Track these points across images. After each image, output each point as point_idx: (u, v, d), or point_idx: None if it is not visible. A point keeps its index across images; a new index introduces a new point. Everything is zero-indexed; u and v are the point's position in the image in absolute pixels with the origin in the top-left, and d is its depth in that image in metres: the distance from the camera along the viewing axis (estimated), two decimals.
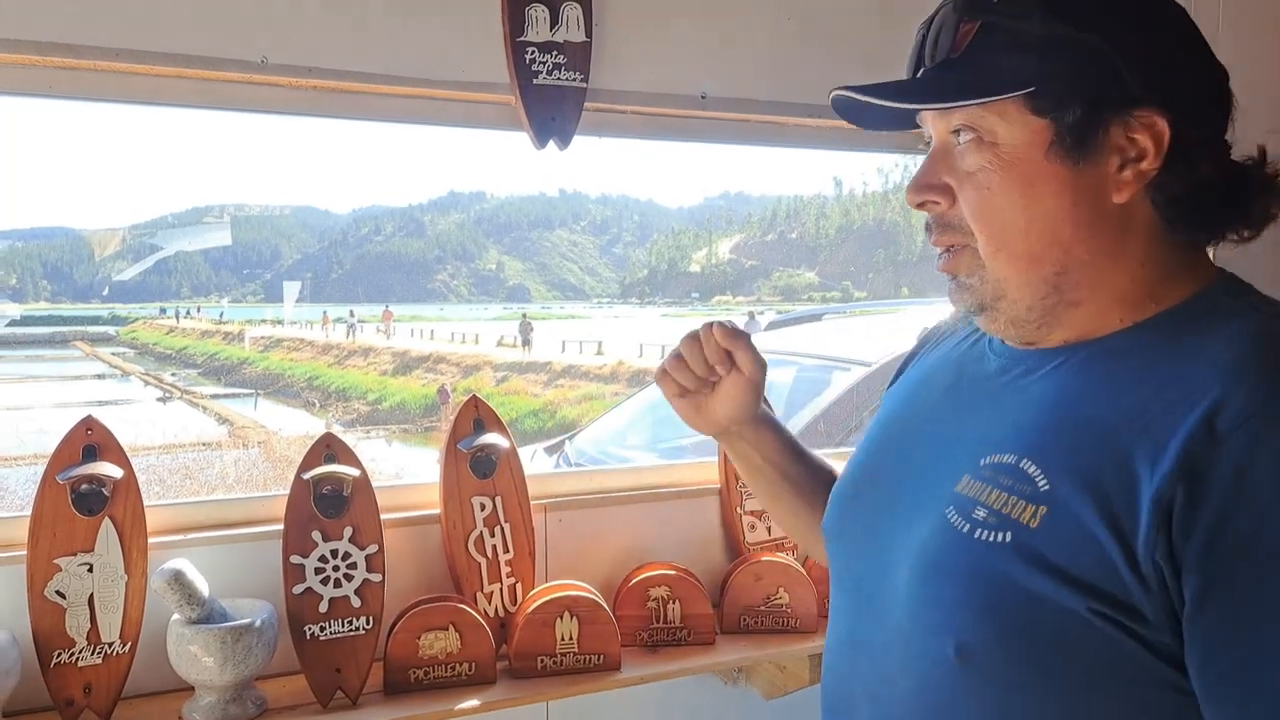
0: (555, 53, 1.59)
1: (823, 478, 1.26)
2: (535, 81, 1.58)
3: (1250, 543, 0.73)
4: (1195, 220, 0.88)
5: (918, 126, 0.97)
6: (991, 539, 0.84)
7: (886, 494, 1.00)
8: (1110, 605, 0.77)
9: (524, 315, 35.39)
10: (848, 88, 0.92)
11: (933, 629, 0.87)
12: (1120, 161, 0.85)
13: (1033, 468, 0.84)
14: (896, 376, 1.19)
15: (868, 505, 1.03)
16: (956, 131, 0.90)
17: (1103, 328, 0.89)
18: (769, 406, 1.29)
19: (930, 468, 0.95)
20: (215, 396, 29.93)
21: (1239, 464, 0.74)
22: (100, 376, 38.16)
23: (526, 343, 32.60)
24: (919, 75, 0.93)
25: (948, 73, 0.89)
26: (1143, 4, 0.88)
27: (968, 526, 0.86)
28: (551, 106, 1.60)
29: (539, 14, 1.58)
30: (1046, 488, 0.82)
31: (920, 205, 0.93)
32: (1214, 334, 0.84)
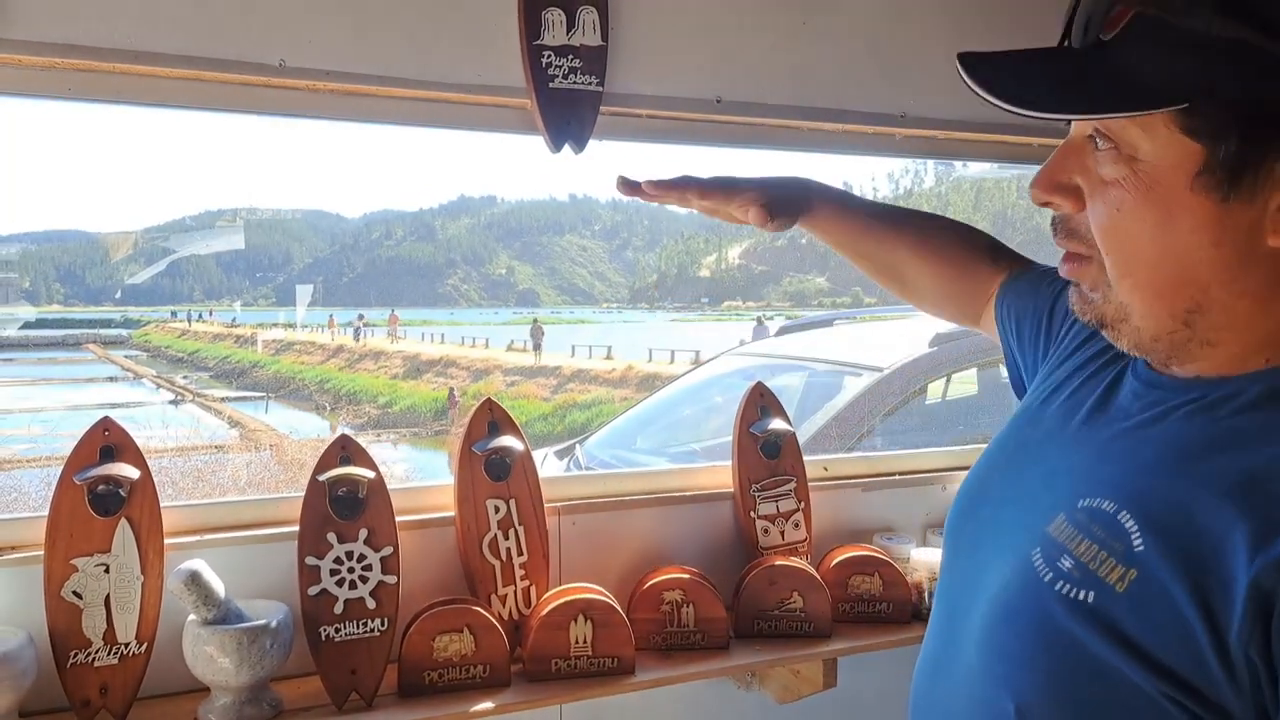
0: (571, 56, 1.59)
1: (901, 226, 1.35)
2: (551, 85, 1.59)
3: None
4: None
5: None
6: (1073, 595, 0.76)
7: (993, 513, 0.94)
8: (1189, 695, 0.69)
9: (535, 320, 35.35)
10: (972, 56, 0.78)
11: (997, 680, 0.82)
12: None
13: (1130, 522, 0.75)
14: (1048, 351, 1.07)
15: (978, 520, 0.97)
16: (1093, 136, 0.79)
17: (1243, 365, 0.79)
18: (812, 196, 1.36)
19: (1034, 495, 0.88)
20: (227, 399, 30.00)
21: None
22: (113, 379, 38.31)
23: (537, 347, 32.57)
24: (1064, 52, 0.79)
25: (1094, 64, 0.75)
26: None
27: (1050, 574, 0.79)
28: (567, 110, 1.60)
29: (555, 17, 1.58)
30: (1140, 549, 0.73)
31: (1044, 204, 0.84)
32: None
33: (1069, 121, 0.81)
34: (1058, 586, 0.78)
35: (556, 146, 1.61)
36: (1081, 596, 0.76)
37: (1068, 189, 0.81)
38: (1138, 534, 0.74)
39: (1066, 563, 0.78)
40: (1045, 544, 0.81)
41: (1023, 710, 0.78)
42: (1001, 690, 0.81)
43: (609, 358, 32.45)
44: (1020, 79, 0.77)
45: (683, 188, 1.30)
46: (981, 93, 0.76)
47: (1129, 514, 0.76)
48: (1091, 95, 0.74)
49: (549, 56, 1.58)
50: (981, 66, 0.77)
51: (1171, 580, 0.71)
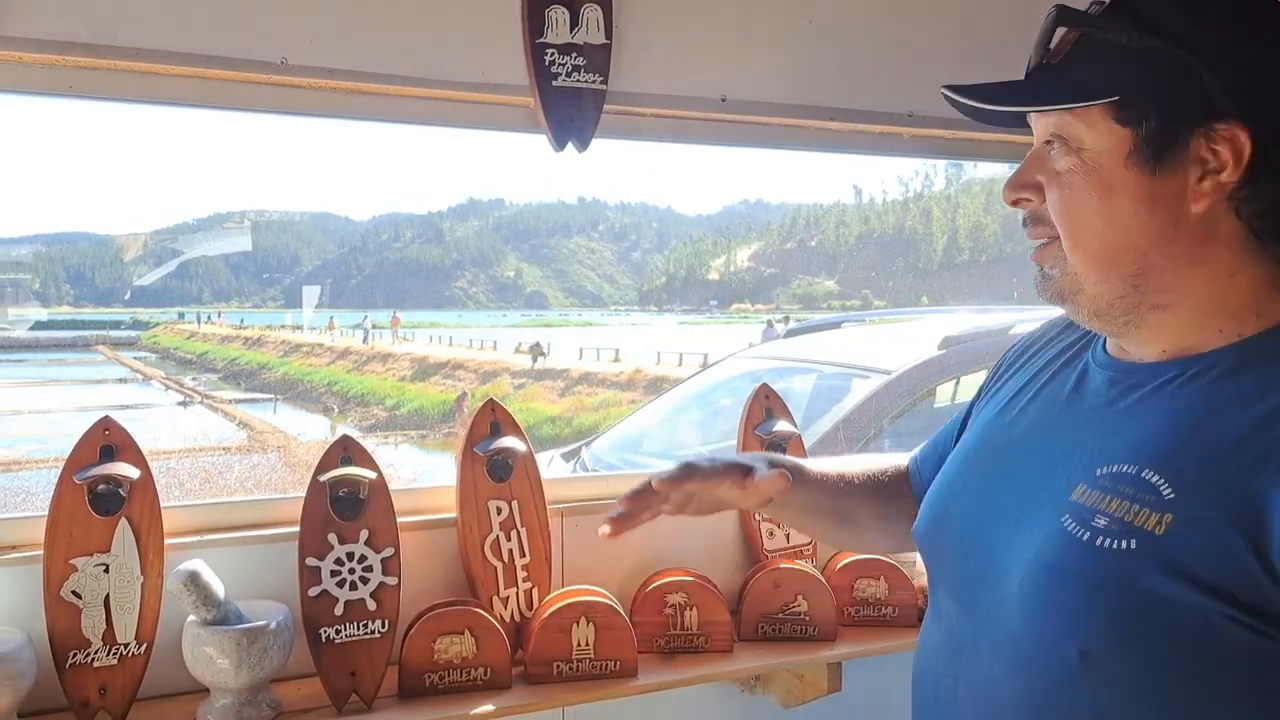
0: (575, 54, 1.58)
1: (878, 482, 1.30)
2: (554, 83, 1.58)
3: None
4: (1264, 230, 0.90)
5: (1028, 126, 1.02)
6: (1115, 546, 0.85)
7: (991, 503, 1.02)
8: (1245, 610, 0.79)
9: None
10: (955, 89, 0.97)
11: (1053, 633, 0.88)
12: (1200, 172, 0.88)
13: (1155, 477, 0.85)
14: (985, 391, 1.21)
15: (968, 513, 1.05)
16: (1049, 141, 0.95)
17: (1204, 341, 0.92)
18: (786, 462, 1.23)
19: (1041, 478, 0.97)
20: (235, 401, 30.09)
21: None
22: (122, 380, 38.45)
23: (535, 361, 32.36)
24: (1026, 76, 0.98)
25: (1045, 77, 0.94)
26: (1237, 17, 0.89)
27: (1088, 534, 0.87)
28: (570, 108, 1.59)
29: (559, 15, 1.57)
30: (1171, 496, 0.83)
31: (1015, 202, 0.99)
32: None
33: (1024, 116, 0.97)
34: (1099, 542, 0.86)
35: (560, 145, 1.60)
36: (1124, 546, 0.84)
37: (1032, 186, 0.97)
38: (1165, 485, 0.84)
39: (1101, 520, 0.87)
40: (1074, 510, 0.90)
41: (1088, 653, 0.85)
42: (1062, 641, 0.87)
43: (617, 360, 32.46)
44: (987, 91, 0.96)
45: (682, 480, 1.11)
46: (956, 97, 0.96)
47: (1152, 470, 0.86)
48: (1048, 92, 0.93)
49: (552, 54, 1.57)
50: (962, 89, 0.96)
51: (1209, 515, 0.81)
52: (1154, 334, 0.95)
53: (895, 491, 1.30)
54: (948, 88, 0.97)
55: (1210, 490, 0.82)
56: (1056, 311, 1.07)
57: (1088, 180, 0.92)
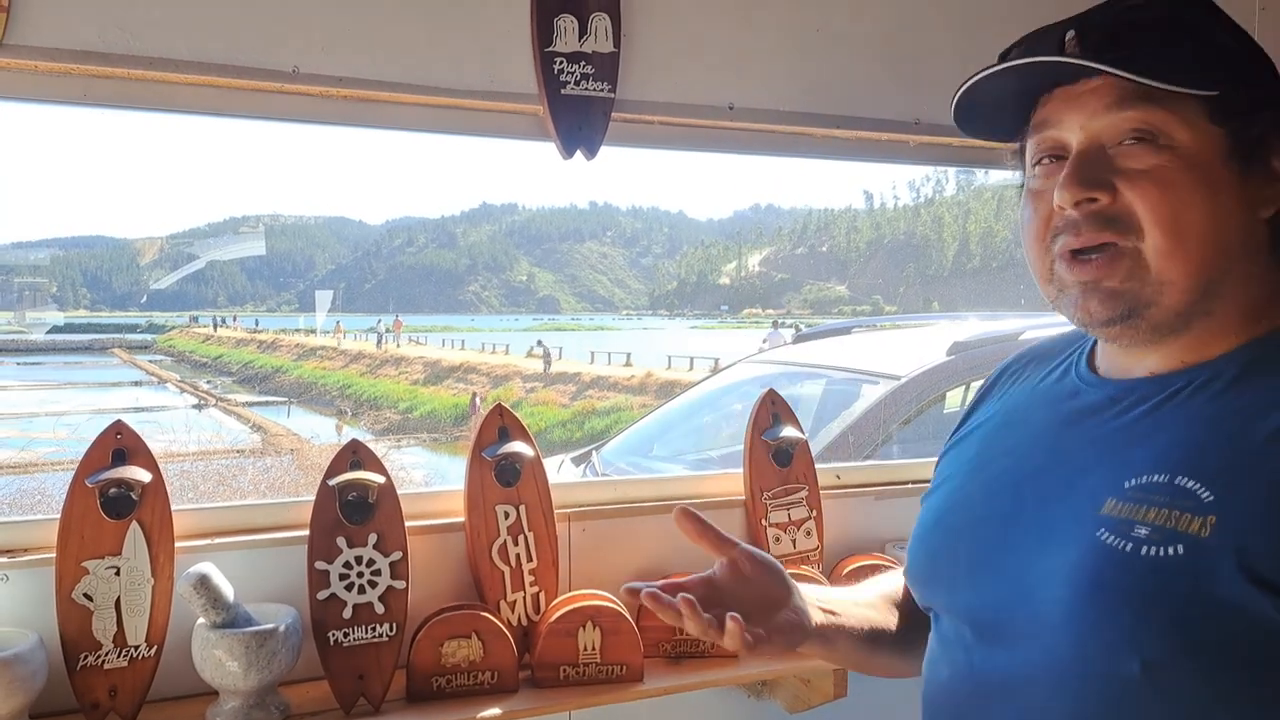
0: (583, 63, 1.60)
1: (892, 620, 1.21)
2: (563, 91, 1.59)
3: None
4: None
5: (1015, 139, 1.00)
6: (1160, 553, 0.83)
7: (999, 529, 0.99)
8: None
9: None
10: (1056, 58, 0.91)
11: (1111, 648, 0.85)
12: (1271, 178, 0.90)
13: (1190, 483, 0.84)
14: (962, 425, 1.18)
15: (974, 541, 1.02)
16: (1122, 133, 0.89)
17: (1217, 346, 0.92)
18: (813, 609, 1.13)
19: (1058, 498, 0.94)
20: (249, 404, 30.21)
21: None
22: (138, 383, 38.64)
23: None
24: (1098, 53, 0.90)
25: (1146, 51, 0.87)
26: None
27: (1130, 545, 0.85)
28: (579, 116, 1.61)
29: (568, 24, 1.58)
30: (1211, 499, 0.82)
31: (1078, 203, 0.90)
32: None
33: (1111, 108, 0.90)
34: (1143, 552, 0.83)
35: (568, 153, 1.62)
36: (1170, 552, 0.82)
37: (1103, 184, 0.89)
38: (1202, 489, 0.83)
39: (1142, 530, 0.84)
40: (1109, 524, 0.87)
41: (1150, 664, 0.82)
42: (1120, 655, 0.84)
43: (628, 364, 32.45)
44: (1112, 57, 0.87)
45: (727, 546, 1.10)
46: (1097, 65, 0.87)
47: (1185, 477, 0.84)
48: (1166, 69, 0.86)
49: (561, 63, 1.58)
50: (1094, 58, 0.89)
51: (1253, 511, 0.80)
52: (1186, 344, 0.93)
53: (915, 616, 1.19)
54: (1029, 59, 0.91)
55: (1251, 488, 0.81)
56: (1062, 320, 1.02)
57: (1187, 177, 0.87)
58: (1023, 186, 1.01)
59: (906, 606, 1.20)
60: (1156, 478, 0.86)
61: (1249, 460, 0.82)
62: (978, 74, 0.95)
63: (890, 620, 1.19)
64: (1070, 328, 1.04)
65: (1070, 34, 0.92)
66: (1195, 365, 0.92)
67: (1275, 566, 0.78)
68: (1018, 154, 1.03)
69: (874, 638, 1.17)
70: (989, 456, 1.08)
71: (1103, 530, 0.87)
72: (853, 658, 1.18)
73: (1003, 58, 0.96)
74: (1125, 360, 0.98)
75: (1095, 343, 1.04)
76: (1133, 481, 0.87)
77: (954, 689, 1.02)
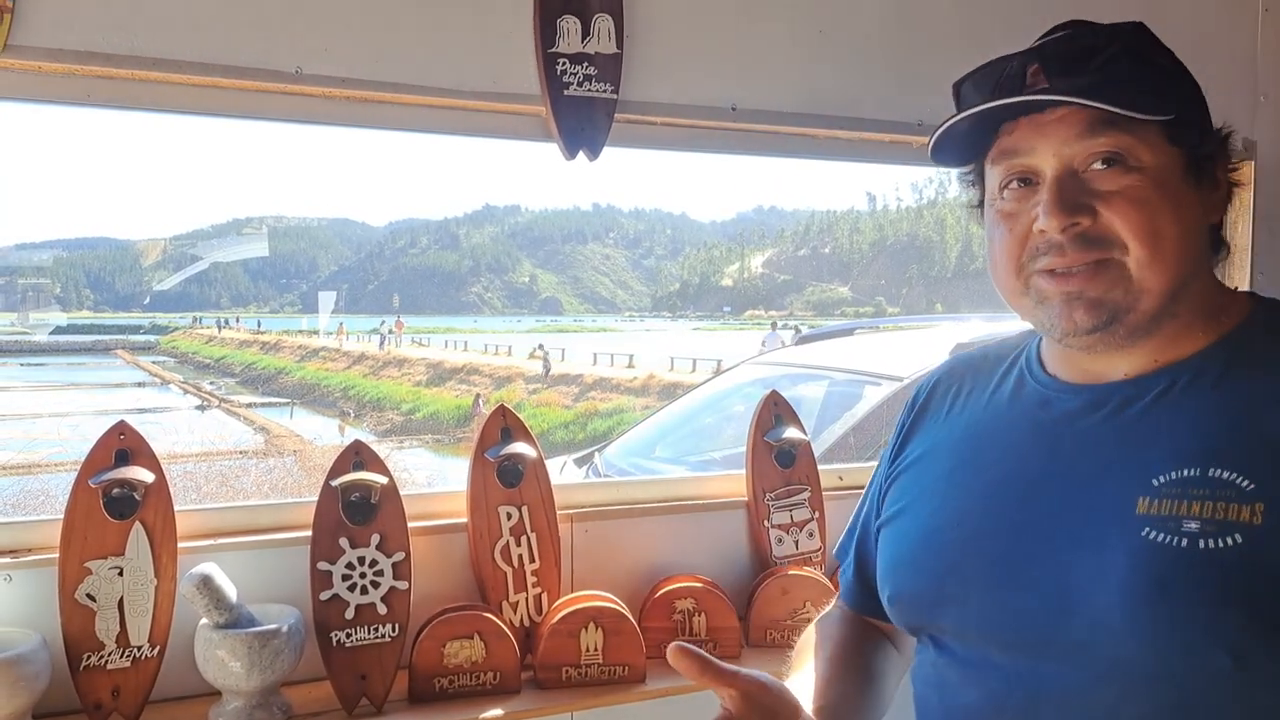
0: (586, 64, 1.60)
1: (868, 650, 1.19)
2: (566, 92, 1.59)
3: None
4: (1219, 245, 1.02)
5: (971, 162, 1.03)
6: (1220, 544, 0.84)
7: (1010, 543, 0.97)
8: None
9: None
10: (1024, 96, 0.95)
11: (1189, 648, 0.85)
12: (1223, 192, 1.00)
13: (1225, 473, 0.86)
14: (902, 452, 1.17)
15: (988, 557, 0.99)
16: (1092, 158, 0.94)
17: (1188, 345, 0.97)
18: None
19: (1073, 505, 0.94)
20: (252, 405, 30.24)
21: None
22: (141, 384, 38.70)
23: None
24: (1066, 83, 0.95)
25: (1113, 82, 0.93)
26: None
27: (1185, 541, 0.85)
28: (582, 117, 1.61)
29: (570, 26, 1.59)
30: (1252, 487, 0.85)
31: (1067, 227, 0.94)
32: None
33: (1082, 136, 0.94)
34: (1200, 544, 0.85)
35: (571, 153, 1.62)
36: (1229, 542, 0.84)
37: (1084, 207, 0.94)
38: (1240, 478, 0.85)
39: (1192, 524, 0.85)
40: (1151, 523, 0.88)
41: (1239, 653, 0.83)
42: (1205, 651, 0.84)
43: (631, 366, 32.45)
44: (1089, 92, 0.93)
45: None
46: (1078, 100, 0.92)
47: (1216, 468, 0.87)
48: (1132, 99, 0.92)
49: (564, 64, 1.58)
50: (1072, 92, 0.94)
51: None
52: (1156, 344, 0.97)
53: (878, 644, 1.20)
54: (1007, 99, 0.95)
55: None
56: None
57: (1160, 194, 0.94)
58: (981, 206, 1.05)
59: (861, 650, 1.17)
60: (1188, 471, 0.88)
61: (1276, 447, 0.86)
62: (958, 116, 0.98)
63: (865, 676, 1.15)
64: (988, 340, 1.13)
65: (1034, 67, 0.97)
66: (1171, 365, 0.96)
67: None
68: (971, 175, 1.07)
69: (870, 704, 1.13)
70: (968, 473, 1.06)
71: (1147, 529, 0.87)
72: None
73: (957, 87, 1.04)
74: (1095, 366, 1.00)
75: (1038, 352, 1.07)
76: (1162, 479, 0.89)
77: (995, 710, 0.98)
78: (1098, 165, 0.94)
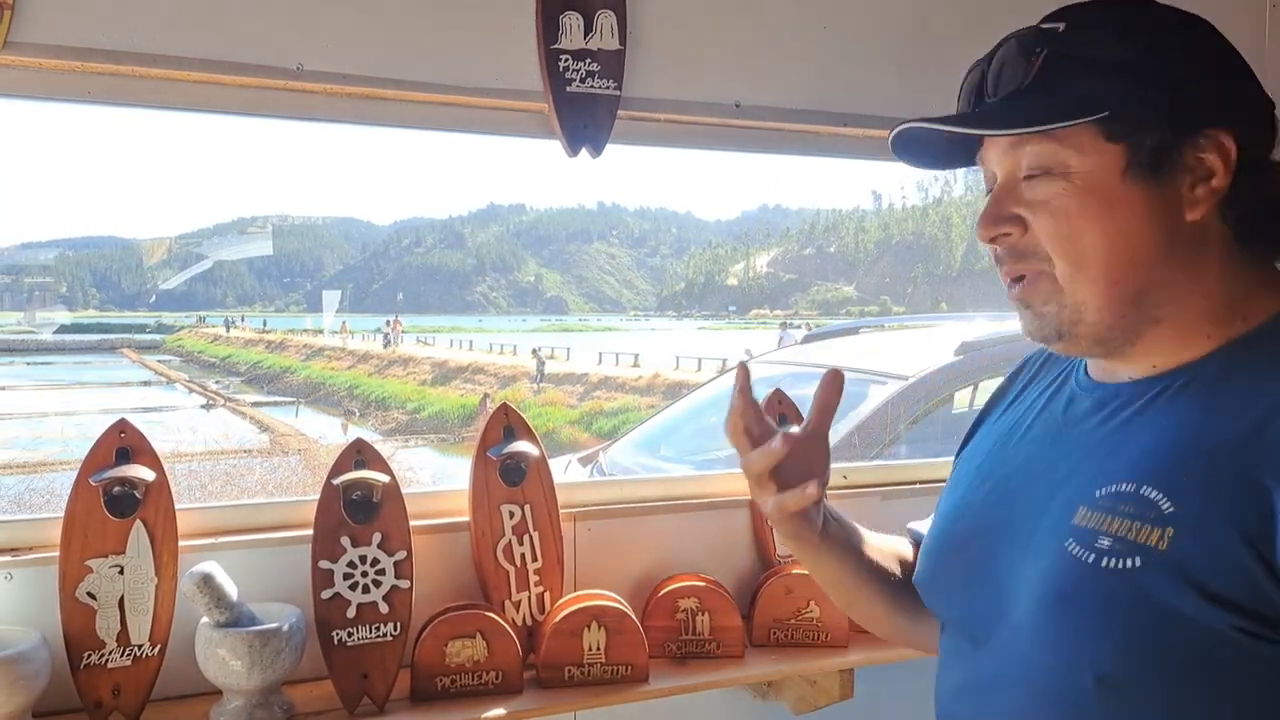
0: (589, 60, 1.59)
1: (897, 567, 1.21)
2: (568, 89, 1.58)
3: None
4: (1268, 235, 0.91)
5: (972, 164, 1.00)
6: (1120, 565, 0.83)
7: (992, 538, 1.00)
8: (1256, 621, 0.78)
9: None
10: (918, 120, 0.95)
11: (1070, 661, 0.86)
12: (1192, 180, 0.88)
13: (1154, 493, 0.84)
14: (980, 418, 1.19)
15: (971, 552, 1.02)
16: (1022, 168, 0.92)
17: (1191, 350, 0.91)
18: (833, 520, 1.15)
19: (1038, 507, 0.95)
20: (258, 404, 30.29)
21: None
22: (146, 383, 38.79)
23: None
24: (980, 108, 0.96)
25: (1018, 101, 0.92)
26: (1202, 31, 0.92)
27: (1093, 556, 0.85)
28: (584, 114, 1.60)
29: (573, 21, 1.58)
30: (1171, 510, 0.82)
31: (993, 239, 0.95)
32: None
33: (1010, 149, 0.93)
34: (1103, 563, 0.84)
35: (574, 150, 1.61)
36: (1128, 565, 0.82)
37: (1011, 219, 0.93)
38: (1164, 500, 0.83)
39: (1104, 542, 0.85)
40: (1075, 534, 0.88)
41: (1104, 676, 0.84)
42: (1079, 667, 0.85)
43: (636, 365, 32.46)
44: (972, 118, 0.96)
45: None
46: (939, 126, 0.94)
47: (1150, 487, 0.84)
48: (1033, 114, 0.90)
49: (566, 60, 1.57)
50: (939, 120, 0.95)
51: (1211, 526, 0.79)
52: (1147, 350, 0.93)
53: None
54: (911, 122, 0.96)
55: (1210, 499, 0.81)
56: None
57: (1084, 201, 0.89)
58: None
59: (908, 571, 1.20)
60: (1125, 486, 0.86)
61: (1214, 469, 0.82)
62: (894, 130, 1.00)
63: (891, 571, 1.19)
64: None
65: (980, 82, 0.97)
66: (1171, 370, 0.92)
67: (1228, 583, 0.78)
68: None
69: (871, 573, 1.17)
70: (992, 464, 1.08)
71: (1070, 540, 0.88)
72: (838, 580, 1.17)
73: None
74: (1110, 365, 0.98)
75: None
76: (1103, 490, 0.88)
77: (959, 698, 1.03)
78: (1030, 175, 0.92)
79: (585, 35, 1.58)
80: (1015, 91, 0.92)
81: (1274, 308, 0.91)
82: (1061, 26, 0.92)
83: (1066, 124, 0.88)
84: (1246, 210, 0.89)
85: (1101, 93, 0.88)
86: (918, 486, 1.98)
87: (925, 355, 4.03)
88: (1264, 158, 0.90)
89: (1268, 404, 0.82)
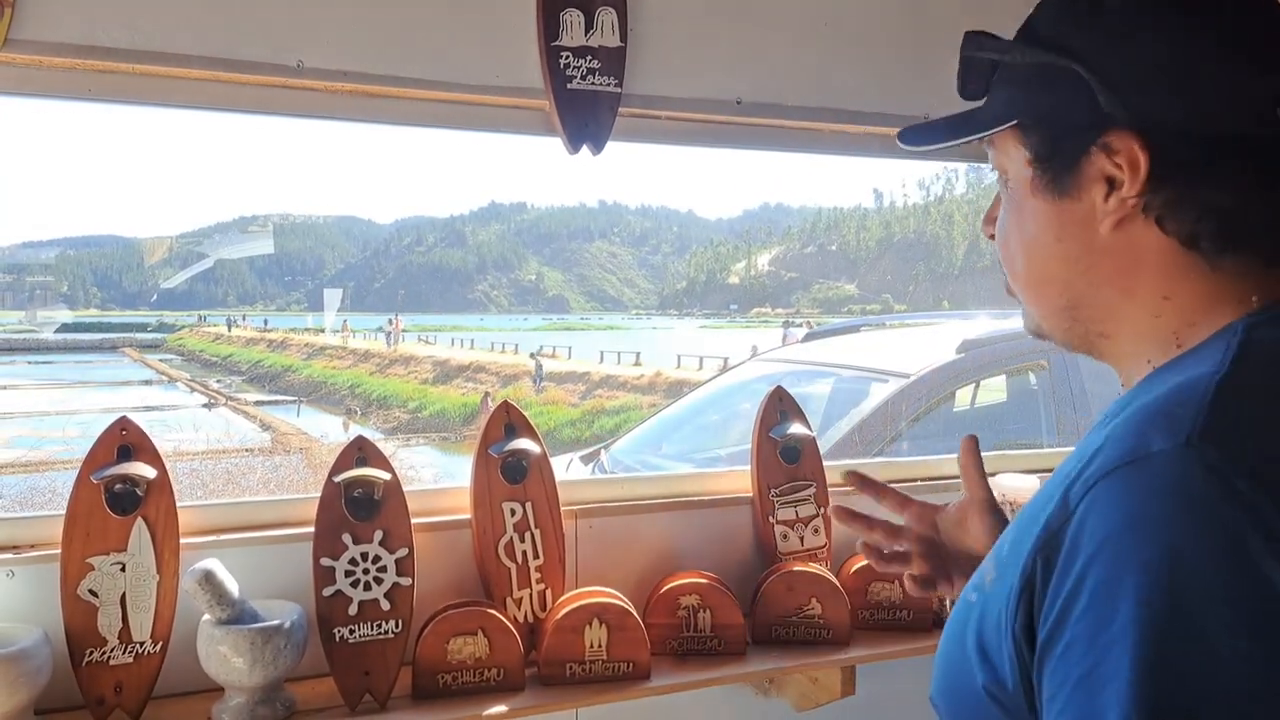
0: (590, 57, 1.59)
1: None
2: (569, 86, 1.58)
3: (1068, 610, 0.67)
4: (1222, 244, 0.77)
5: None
6: (967, 599, 0.82)
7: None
8: (996, 685, 0.74)
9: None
10: (905, 130, 0.97)
11: (938, 692, 0.87)
12: (1106, 190, 0.79)
13: (1010, 530, 0.80)
14: None
15: None
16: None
17: (1138, 371, 0.83)
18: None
19: None
20: (259, 403, 30.30)
21: (1075, 539, 0.68)
22: (148, 382, 38.81)
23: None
24: (945, 116, 0.95)
25: (967, 111, 0.91)
26: (1133, 21, 0.79)
27: (970, 591, 0.83)
28: (585, 111, 1.60)
29: (574, 19, 1.58)
30: (1005, 550, 0.77)
31: (992, 236, 0.94)
32: (1165, 384, 0.74)
33: (952, 148, 0.94)
34: (966, 597, 0.82)
35: (575, 147, 1.61)
36: (970, 599, 0.81)
37: (990, 220, 0.94)
38: (1008, 538, 0.79)
39: (978, 576, 0.82)
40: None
41: (933, 699, 0.85)
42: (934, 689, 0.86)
43: (637, 364, 32.46)
44: (925, 129, 0.95)
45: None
46: (903, 144, 0.97)
47: (1024, 517, 0.79)
48: (957, 127, 0.90)
49: (567, 57, 1.57)
50: (905, 133, 0.97)
51: (1006, 577, 0.74)
52: (1116, 364, 0.87)
53: None
54: (902, 132, 0.97)
55: (1020, 544, 0.73)
56: None
57: (1010, 211, 0.88)
58: None
59: None
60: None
61: (1036, 513, 0.74)
62: (920, 150, 1.00)
63: None
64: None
65: None
66: (1127, 391, 0.84)
67: (991, 641, 0.74)
68: None
69: None
70: None
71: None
72: None
73: None
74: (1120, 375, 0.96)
75: None
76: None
77: None
78: (1000, 176, 0.91)
79: (586, 32, 1.58)
80: (976, 96, 0.91)
81: (1214, 330, 0.77)
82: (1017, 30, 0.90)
83: (985, 133, 0.87)
84: (1194, 213, 0.77)
85: (1017, 100, 0.84)
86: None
87: (927, 353, 4.04)
88: (1198, 158, 0.76)
89: (1090, 448, 0.73)
